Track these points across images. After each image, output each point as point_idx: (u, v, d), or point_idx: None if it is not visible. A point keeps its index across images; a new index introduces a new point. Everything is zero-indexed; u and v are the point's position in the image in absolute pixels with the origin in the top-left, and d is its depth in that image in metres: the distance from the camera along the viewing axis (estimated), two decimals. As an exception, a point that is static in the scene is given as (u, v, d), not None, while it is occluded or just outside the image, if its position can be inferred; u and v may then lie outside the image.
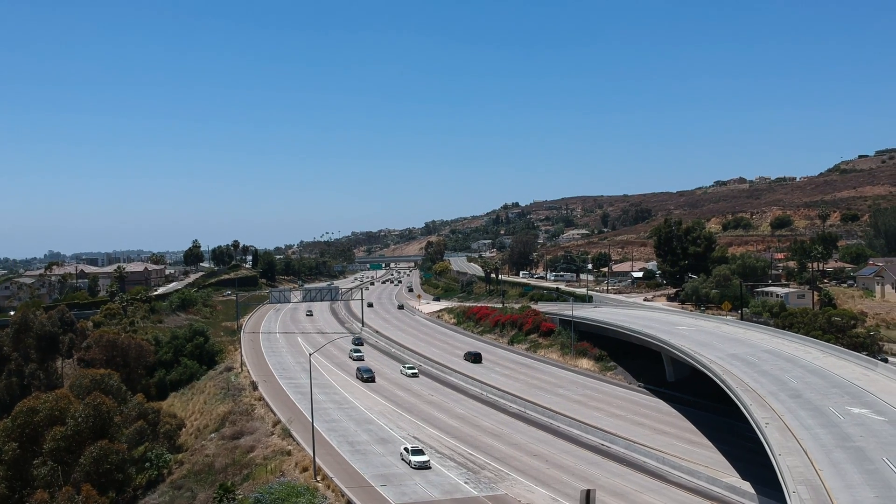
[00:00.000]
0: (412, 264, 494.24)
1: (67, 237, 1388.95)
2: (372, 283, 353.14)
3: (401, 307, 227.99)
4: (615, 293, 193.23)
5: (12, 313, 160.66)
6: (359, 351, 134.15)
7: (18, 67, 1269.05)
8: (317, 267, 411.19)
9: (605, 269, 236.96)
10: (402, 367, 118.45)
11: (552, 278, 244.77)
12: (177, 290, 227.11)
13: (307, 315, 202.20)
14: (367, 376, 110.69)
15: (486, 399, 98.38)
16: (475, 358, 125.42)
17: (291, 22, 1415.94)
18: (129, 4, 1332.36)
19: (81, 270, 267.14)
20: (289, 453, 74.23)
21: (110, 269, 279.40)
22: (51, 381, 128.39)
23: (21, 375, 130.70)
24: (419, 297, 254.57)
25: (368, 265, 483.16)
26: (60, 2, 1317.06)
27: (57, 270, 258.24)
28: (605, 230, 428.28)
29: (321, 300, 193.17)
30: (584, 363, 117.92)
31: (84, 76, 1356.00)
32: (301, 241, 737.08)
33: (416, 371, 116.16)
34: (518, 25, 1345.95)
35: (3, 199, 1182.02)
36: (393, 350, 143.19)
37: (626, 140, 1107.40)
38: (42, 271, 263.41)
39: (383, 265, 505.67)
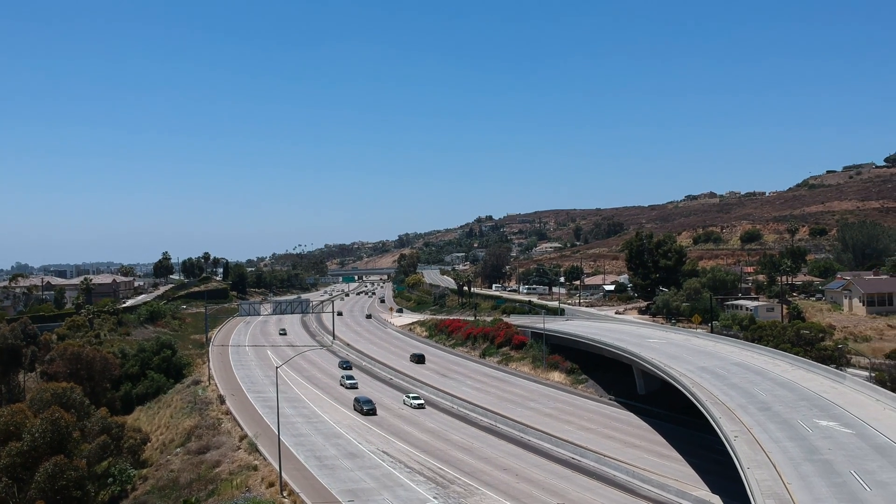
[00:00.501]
0: (385, 277, 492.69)
1: (36, 249, 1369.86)
2: (346, 295, 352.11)
3: (368, 316, 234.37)
4: (587, 306, 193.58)
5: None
6: (352, 378, 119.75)
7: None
8: (289, 279, 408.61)
9: (578, 283, 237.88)
10: (405, 397, 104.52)
11: (525, 291, 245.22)
12: (145, 303, 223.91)
13: (281, 334, 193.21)
14: (367, 408, 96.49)
15: (457, 412, 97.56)
16: (419, 359, 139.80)
17: (265, 35, 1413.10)
18: (103, 16, 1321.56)
19: (48, 282, 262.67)
20: (255, 468, 72.88)
21: (77, 280, 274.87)
22: (12, 395, 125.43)
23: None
24: (391, 309, 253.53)
25: (341, 278, 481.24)
26: (33, 14, 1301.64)
27: (22, 282, 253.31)
28: (578, 243, 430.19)
29: (292, 313, 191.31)
30: (556, 376, 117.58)
31: (53, 88, 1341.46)
32: (273, 254, 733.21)
33: (422, 402, 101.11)
34: (491, 41, 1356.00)
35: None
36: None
37: (599, 154, 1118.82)
38: (7, 283, 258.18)
39: (356, 278, 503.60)
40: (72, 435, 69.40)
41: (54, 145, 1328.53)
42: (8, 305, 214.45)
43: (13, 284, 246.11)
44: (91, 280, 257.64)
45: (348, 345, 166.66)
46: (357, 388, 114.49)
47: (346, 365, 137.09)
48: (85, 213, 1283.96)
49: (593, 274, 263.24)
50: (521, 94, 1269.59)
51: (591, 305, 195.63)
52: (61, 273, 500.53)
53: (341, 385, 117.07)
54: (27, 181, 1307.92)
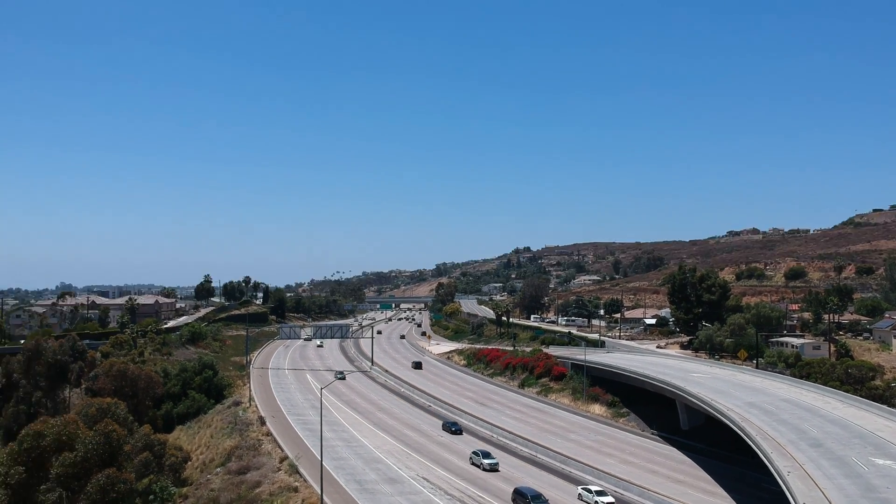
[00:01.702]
0: (422, 305, 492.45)
1: (79, 270, 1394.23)
2: (389, 321, 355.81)
3: (402, 337, 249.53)
4: (627, 339, 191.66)
5: (23, 341, 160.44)
6: (489, 455, 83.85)
7: (28, 100, 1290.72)
8: (327, 305, 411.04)
9: (618, 315, 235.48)
10: (580, 490, 71.45)
11: (563, 323, 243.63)
12: (187, 324, 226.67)
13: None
14: None
15: (497, 441, 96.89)
16: (417, 365, 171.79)
17: (302, 63, 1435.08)
18: (120, 39, 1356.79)
19: (93, 301, 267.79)
20: (295, 490, 73.06)
21: (121, 300, 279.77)
22: (57, 409, 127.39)
23: (28, 403, 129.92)
24: (428, 337, 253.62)
25: (379, 305, 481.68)
26: (62, 37, 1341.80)
27: (69, 301, 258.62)
28: (617, 277, 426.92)
29: (331, 337, 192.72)
30: (596, 409, 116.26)
31: (96, 111, 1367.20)
32: (312, 280, 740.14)
33: (612, 500, 68.12)
34: (530, 72, 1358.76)
35: (17, 231, 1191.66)
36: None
37: (639, 188, 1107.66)
38: (54, 301, 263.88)
39: (393, 305, 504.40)
40: (123, 448, 70.31)
41: (100, 169, 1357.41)
42: (55, 323, 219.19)
43: (60, 303, 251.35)
44: (135, 300, 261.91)
45: (387, 371, 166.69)
46: (498, 468, 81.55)
47: (455, 428, 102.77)
48: (128, 236, 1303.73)
49: (633, 307, 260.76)
50: (561, 126, 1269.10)
51: (632, 339, 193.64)
52: (104, 293, 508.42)
53: (472, 464, 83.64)
54: (72, 203, 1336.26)
